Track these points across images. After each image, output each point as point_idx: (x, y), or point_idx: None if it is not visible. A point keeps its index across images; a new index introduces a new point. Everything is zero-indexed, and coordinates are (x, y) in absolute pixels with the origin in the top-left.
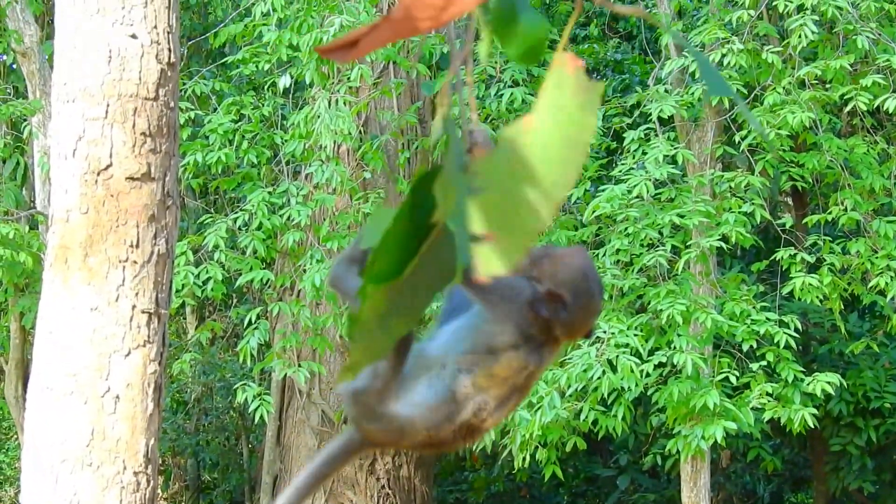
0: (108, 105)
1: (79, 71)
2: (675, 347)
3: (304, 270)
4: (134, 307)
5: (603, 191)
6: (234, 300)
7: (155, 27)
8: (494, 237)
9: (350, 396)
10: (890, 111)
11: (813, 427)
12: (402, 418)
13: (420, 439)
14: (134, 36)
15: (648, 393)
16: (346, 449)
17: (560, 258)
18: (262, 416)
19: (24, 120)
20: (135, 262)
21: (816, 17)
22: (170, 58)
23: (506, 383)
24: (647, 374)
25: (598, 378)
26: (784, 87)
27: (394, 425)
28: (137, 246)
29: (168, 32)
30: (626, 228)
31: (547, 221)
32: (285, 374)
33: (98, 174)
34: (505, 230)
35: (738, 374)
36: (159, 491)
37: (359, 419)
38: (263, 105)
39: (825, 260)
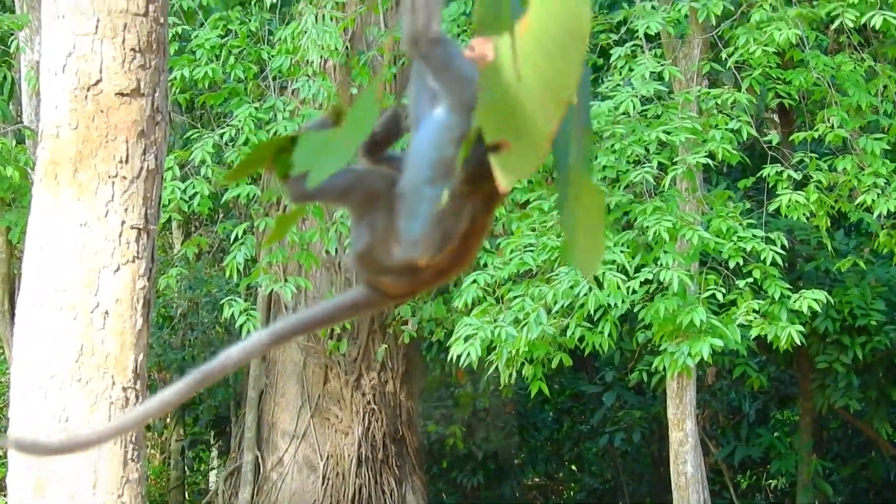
0: (98, 20)
1: None
2: (661, 264)
3: None
4: (123, 223)
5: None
6: (221, 215)
7: None
8: (509, 144)
9: (357, 261)
10: (877, 28)
11: (799, 344)
12: (407, 257)
13: (429, 273)
14: None
15: (635, 310)
16: (357, 303)
17: None
18: (248, 331)
19: (12, 34)
20: (124, 177)
21: None
22: None
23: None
24: (634, 291)
25: (585, 294)
26: (770, 4)
27: (403, 267)
28: (127, 161)
29: None
30: (612, 145)
31: (557, 119)
32: (272, 290)
33: (88, 90)
34: (518, 135)
35: (724, 290)
36: None
37: (371, 277)
38: (250, 20)
39: (812, 177)
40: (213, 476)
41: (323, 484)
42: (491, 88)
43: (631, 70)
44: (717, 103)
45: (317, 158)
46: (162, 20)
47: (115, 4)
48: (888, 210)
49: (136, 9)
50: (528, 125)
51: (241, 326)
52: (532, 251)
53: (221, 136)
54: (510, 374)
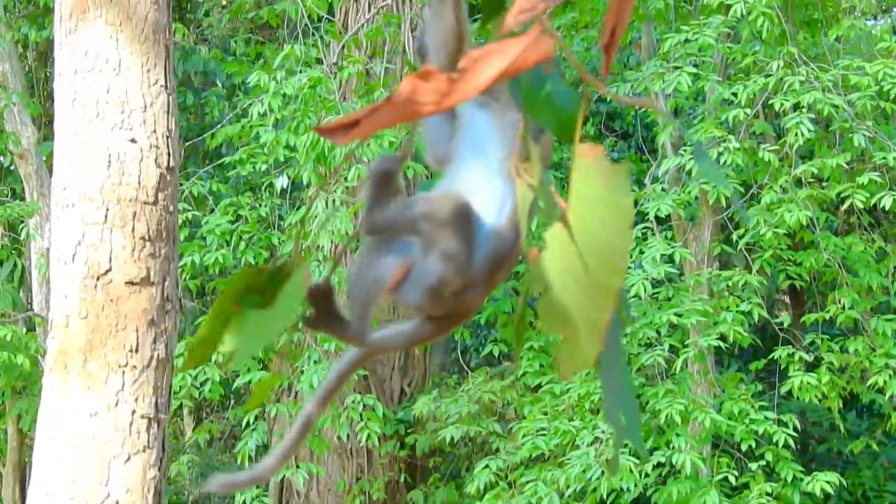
0: (107, 209)
1: (78, 175)
2: (673, 447)
3: (302, 371)
4: (133, 412)
5: None
6: (232, 401)
7: (154, 131)
8: (568, 336)
9: (433, 296)
10: (887, 209)
11: None
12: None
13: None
14: (133, 140)
15: (647, 493)
16: (417, 336)
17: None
18: None
19: (22, 221)
20: (134, 366)
21: (812, 116)
22: (169, 162)
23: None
24: (646, 475)
25: (597, 479)
26: (781, 186)
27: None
28: (137, 351)
29: (167, 136)
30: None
31: (611, 309)
32: (283, 476)
33: (98, 279)
34: (573, 329)
35: (737, 473)
36: None
37: (449, 303)
38: (260, 206)
39: (823, 358)
40: None
41: None
42: (546, 281)
43: (642, 252)
44: (728, 285)
45: (245, 339)
46: (172, 208)
47: (125, 193)
48: None
49: (145, 197)
50: (583, 318)
51: None
52: (545, 435)
53: None
54: None
